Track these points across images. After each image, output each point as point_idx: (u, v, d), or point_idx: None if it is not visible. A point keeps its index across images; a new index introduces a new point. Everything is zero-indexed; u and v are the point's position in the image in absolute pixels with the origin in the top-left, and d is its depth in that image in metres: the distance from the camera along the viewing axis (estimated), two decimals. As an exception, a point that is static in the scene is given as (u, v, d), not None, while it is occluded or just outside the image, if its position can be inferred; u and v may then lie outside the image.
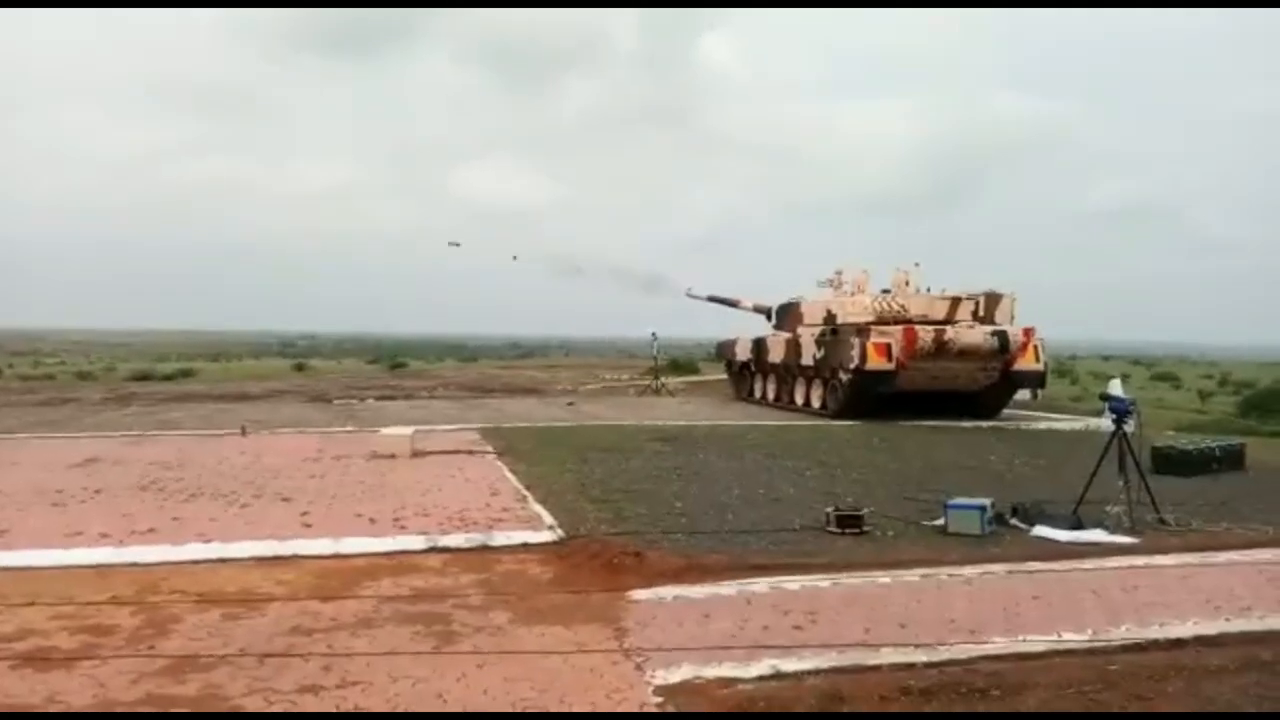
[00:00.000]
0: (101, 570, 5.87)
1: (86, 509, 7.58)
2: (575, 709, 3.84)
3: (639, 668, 4.29)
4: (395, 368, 46.63)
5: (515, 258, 14.46)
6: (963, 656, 4.52)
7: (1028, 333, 15.50)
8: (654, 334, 24.16)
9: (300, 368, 49.71)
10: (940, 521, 7.23)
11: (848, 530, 6.98)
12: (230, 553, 6.24)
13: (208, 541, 6.48)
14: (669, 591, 5.50)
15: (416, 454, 10.83)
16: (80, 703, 3.84)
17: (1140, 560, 6.42)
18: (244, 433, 12.62)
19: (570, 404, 18.80)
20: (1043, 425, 15.43)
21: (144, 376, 34.77)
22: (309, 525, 7.09)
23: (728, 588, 5.56)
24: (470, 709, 3.82)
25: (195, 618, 4.92)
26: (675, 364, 34.19)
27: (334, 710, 3.80)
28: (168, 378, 33.67)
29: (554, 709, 3.84)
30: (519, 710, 3.82)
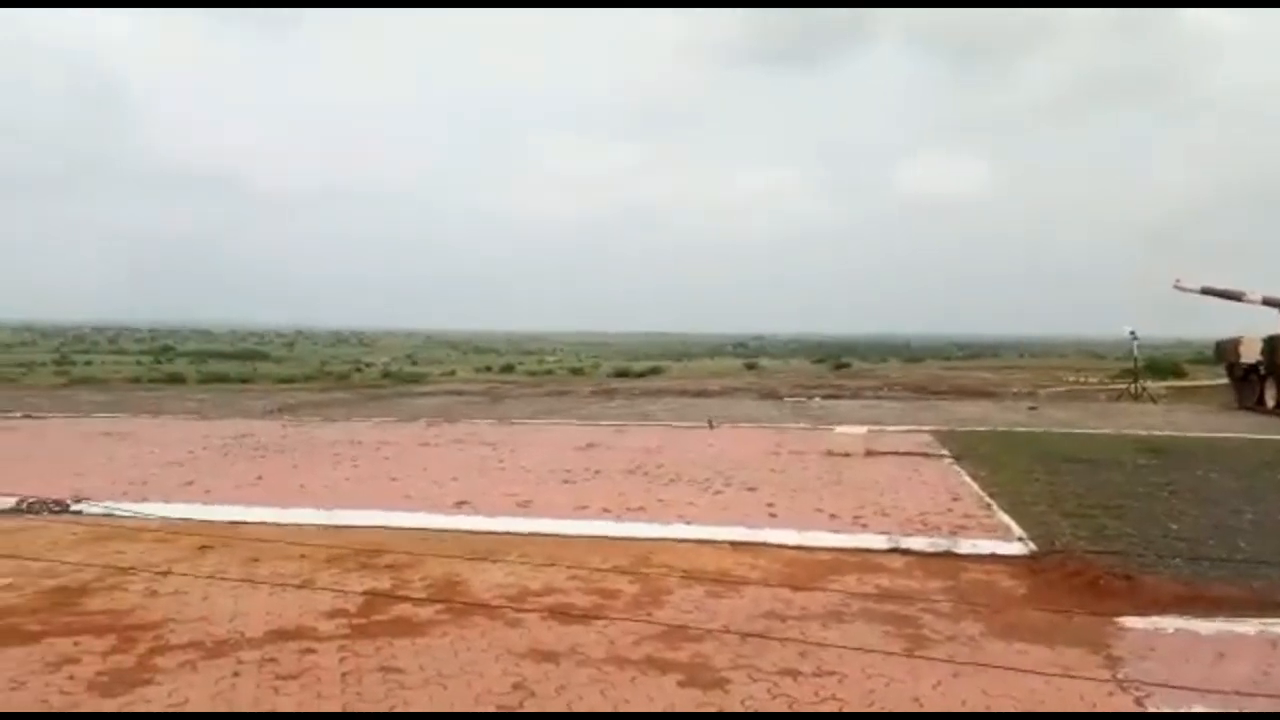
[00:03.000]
0: (602, 541, 6.71)
1: (589, 486, 8.76)
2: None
3: (1139, 703, 3.87)
4: (839, 367, 47.20)
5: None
6: None
7: None
8: (1132, 332, 21.54)
9: (751, 367, 52.42)
10: None
11: None
12: (708, 534, 6.80)
13: (689, 523, 7.14)
14: (1169, 623, 4.88)
15: (870, 453, 10.85)
16: (596, 655, 4.41)
17: None
18: (711, 426, 13.65)
19: (1032, 408, 17.52)
20: None
21: (623, 373, 39.17)
22: (774, 515, 7.47)
23: (1246, 626, 4.79)
24: None
25: (683, 592, 5.42)
26: (1155, 366, 30.27)
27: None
28: (640, 375, 37.54)
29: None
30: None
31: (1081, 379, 29.02)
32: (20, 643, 4.57)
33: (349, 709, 3.83)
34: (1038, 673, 4.18)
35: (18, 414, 15.71)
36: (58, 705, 3.84)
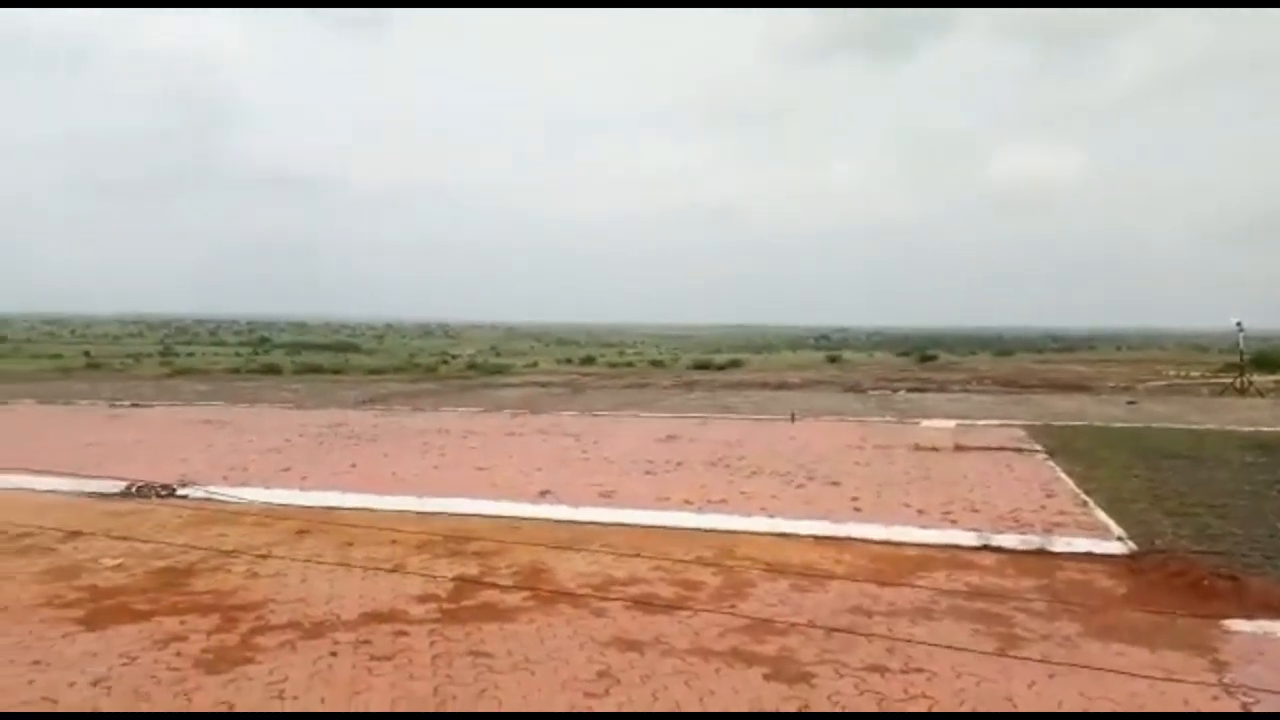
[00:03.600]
0: (685, 532, 6.71)
1: (671, 478, 8.77)
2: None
3: (1246, 708, 3.70)
4: (925, 360, 46.24)
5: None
6: None
7: None
8: (1239, 324, 20.53)
9: (833, 359, 51.72)
10: None
11: None
12: (791, 528, 6.74)
13: (771, 516, 7.09)
14: (1278, 626, 4.66)
15: (959, 448, 10.61)
16: (681, 646, 4.42)
17: None
18: (793, 419, 13.52)
19: (1131, 403, 16.86)
20: None
21: (703, 366, 39.09)
22: (859, 510, 7.36)
23: (1366, 633, 4.54)
24: None
25: (767, 585, 5.39)
26: (1262, 359, 28.81)
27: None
28: (721, 367, 37.42)
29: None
30: None
31: (1183, 373, 27.83)
32: (131, 620, 4.81)
33: (440, 690, 3.92)
34: (1138, 675, 4.03)
35: (126, 403, 16.50)
36: (166, 681, 4.03)
